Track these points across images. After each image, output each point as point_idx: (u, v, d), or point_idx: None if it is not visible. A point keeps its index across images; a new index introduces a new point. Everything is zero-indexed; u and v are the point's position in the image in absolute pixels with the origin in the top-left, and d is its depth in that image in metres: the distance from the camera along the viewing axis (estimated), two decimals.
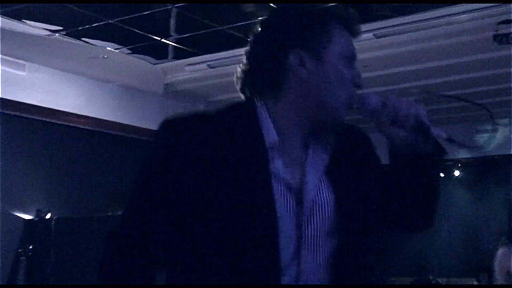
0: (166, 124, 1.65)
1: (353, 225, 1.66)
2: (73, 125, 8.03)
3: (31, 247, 6.83)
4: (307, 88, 1.63)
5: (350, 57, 1.67)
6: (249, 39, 1.73)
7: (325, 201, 1.64)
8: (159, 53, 7.32)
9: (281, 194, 1.59)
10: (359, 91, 1.72)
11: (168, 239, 1.63)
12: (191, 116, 1.66)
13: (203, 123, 1.63)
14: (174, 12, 6.07)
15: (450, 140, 1.71)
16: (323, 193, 1.65)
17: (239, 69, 1.72)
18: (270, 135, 1.62)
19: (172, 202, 1.59)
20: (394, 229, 1.91)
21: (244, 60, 1.71)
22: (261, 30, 1.71)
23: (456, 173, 11.57)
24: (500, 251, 8.11)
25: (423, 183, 1.77)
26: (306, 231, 1.61)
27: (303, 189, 1.63)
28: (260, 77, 1.67)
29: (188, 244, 1.60)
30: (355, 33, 1.70)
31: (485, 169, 11.14)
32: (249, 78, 1.70)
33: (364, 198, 1.70)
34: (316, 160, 1.68)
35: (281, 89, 1.65)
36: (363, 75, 1.70)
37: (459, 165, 11.43)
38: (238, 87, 1.73)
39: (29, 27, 6.27)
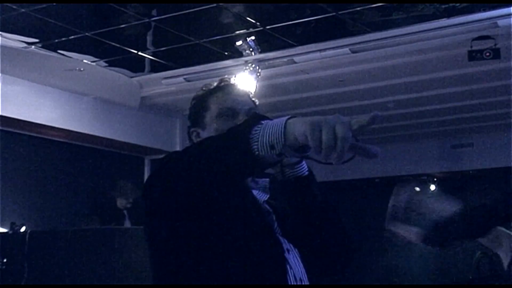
0: None
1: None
2: (48, 137, 7.98)
3: (5, 260, 6.76)
4: None
5: (229, 113, 2.11)
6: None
7: None
8: (135, 66, 7.31)
9: None
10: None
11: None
12: None
13: None
14: (151, 25, 6.08)
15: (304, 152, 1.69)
16: None
17: None
18: None
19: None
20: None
21: None
22: None
23: (432, 187, 11.60)
24: None
25: (304, 199, 2.09)
26: None
27: None
28: None
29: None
30: (240, 92, 2.18)
31: (461, 183, 11.18)
32: None
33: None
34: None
35: None
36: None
37: (435, 179, 11.48)
38: None
39: (4, 39, 6.23)
